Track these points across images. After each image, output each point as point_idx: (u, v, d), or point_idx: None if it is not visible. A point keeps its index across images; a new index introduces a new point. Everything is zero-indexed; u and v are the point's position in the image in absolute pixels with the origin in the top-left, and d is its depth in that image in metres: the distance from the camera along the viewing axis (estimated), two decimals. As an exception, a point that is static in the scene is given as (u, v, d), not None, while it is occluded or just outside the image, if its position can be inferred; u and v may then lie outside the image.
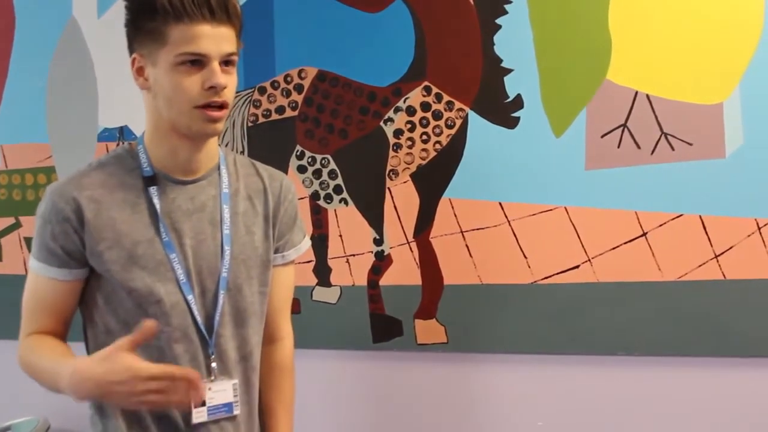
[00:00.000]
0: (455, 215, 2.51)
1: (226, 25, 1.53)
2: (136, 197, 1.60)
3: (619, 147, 2.36)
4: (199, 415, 1.61)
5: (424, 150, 2.52)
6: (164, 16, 1.50)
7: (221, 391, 1.63)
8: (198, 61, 1.51)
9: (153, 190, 1.60)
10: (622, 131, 2.36)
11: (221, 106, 1.54)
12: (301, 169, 2.64)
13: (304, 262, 2.58)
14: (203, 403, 1.61)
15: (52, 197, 1.58)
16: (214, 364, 1.63)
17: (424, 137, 2.52)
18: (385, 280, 2.59)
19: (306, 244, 1.82)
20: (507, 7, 2.43)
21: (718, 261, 2.30)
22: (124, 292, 1.57)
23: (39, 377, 1.58)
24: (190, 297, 1.60)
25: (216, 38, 1.51)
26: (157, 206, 1.59)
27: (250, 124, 2.68)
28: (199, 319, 1.61)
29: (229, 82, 1.54)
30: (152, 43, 1.53)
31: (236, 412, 1.66)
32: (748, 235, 2.28)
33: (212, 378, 1.63)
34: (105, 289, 1.59)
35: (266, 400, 1.77)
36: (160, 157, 1.62)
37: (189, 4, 1.49)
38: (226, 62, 1.54)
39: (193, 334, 1.61)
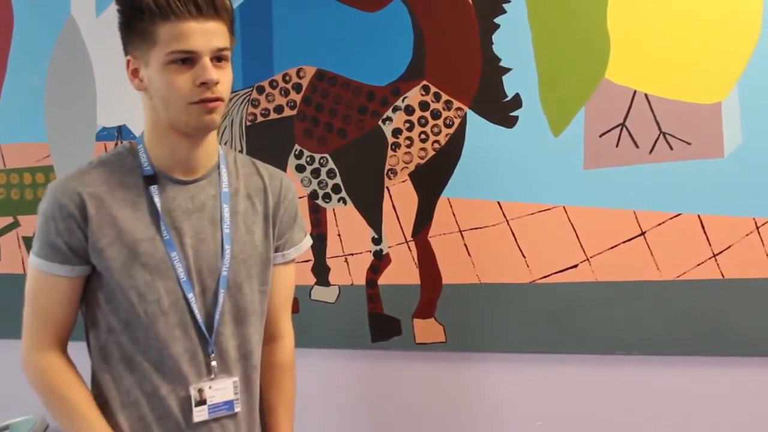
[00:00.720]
0: (454, 214, 2.51)
1: (215, 20, 1.53)
2: (137, 196, 1.60)
3: (617, 146, 2.37)
4: (200, 414, 1.61)
5: (422, 149, 2.52)
6: (151, 16, 1.50)
7: (222, 389, 1.63)
8: (189, 59, 1.51)
9: (154, 189, 1.60)
10: (621, 130, 2.36)
11: (215, 100, 1.54)
12: (300, 168, 2.63)
13: (302, 262, 2.58)
14: (204, 402, 1.61)
15: (54, 194, 1.57)
16: (214, 363, 1.63)
17: (423, 136, 2.52)
18: (383, 280, 2.59)
19: (307, 243, 1.82)
20: (506, 6, 2.43)
21: (716, 260, 2.31)
22: (125, 290, 1.57)
23: (58, 419, 1.61)
24: (190, 295, 1.60)
25: (205, 34, 1.51)
26: (158, 205, 1.59)
27: (248, 124, 2.67)
28: (199, 317, 1.61)
29: (222, 77, 1.54)
30: (143, 44, 1.53)
31: (237, 410, 1.66)
32: (747, 235, 2.29)
33: (212, 376, 1.63)
34: (106, 288, 1.59)
35: (267, 399, 1.77)
36: (159, 157, 1.62)
37: (174, 2, 1.49)
38: (218, 58, 1.54)
39: (193, 333, 1.61)
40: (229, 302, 1.64)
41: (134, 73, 1.59)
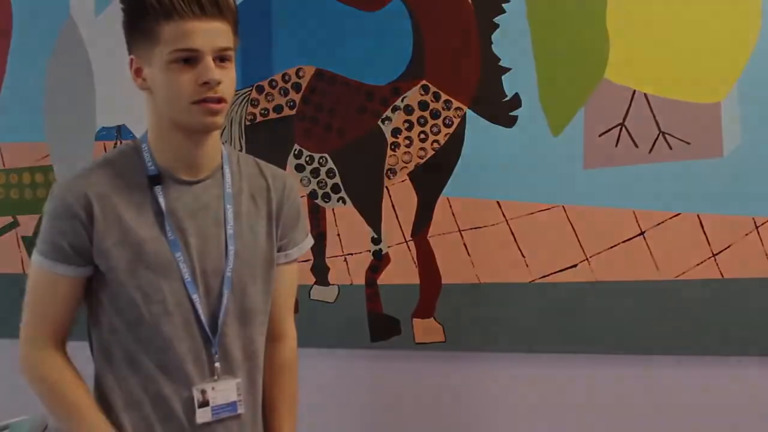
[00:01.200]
0: (453, 214, 2.51)
1: (218, 20, 1.53)
2: (142, 196, 1.59)
3: (617, 146, 2.37)
4: (203, 415, 1.61)
5: (422, 149, 2.52)
6: (155, 15, 1.50)
7: (225, 391, 1.62)
8: (191, 58, 1.51)
9: (158, 189, 1.60)
10: (620, 130, 2.37)
11: (219, 101, 1.54)
12: (299, 168, 2.63)
13: (302, 261, 2.57)
14: (207, 403, 1.61)
15: (61, 193, 1.57)
16: (217, 364, 1.63)
17: (422, 136, 2.52)
18: (383, 279, 2.59)
19: (308, 242, 1.81)
20: (505, 6, 2.43)
21: (715, 260, 2.31)
22: (129, 290, 1.56)
23: (58, 418, 1.61)
24: (194, 296, 1.59)
25: (208, 33, 1.51)
26: (162, 205, 1.59)
27: (248, 123, 2.67)
28: (203, 318, 1.60)
29: (225, 77, 1.54)
30: (146, 43, 1.53)
31: (240, 411, 1.65)
32: (746, 234, 2.29)
33: (215, 377, 1.63)
34: (109, 288, 1.58)
35: (269, 399, 1.76)
36: (163, 156, 1.61)
37: (178, 2, 1.49)
38: (221, 58, 1.54)
39: (197, 333, 1.60)
40: (234, 303, 1.64)
41: (137, 73, 1.58)
